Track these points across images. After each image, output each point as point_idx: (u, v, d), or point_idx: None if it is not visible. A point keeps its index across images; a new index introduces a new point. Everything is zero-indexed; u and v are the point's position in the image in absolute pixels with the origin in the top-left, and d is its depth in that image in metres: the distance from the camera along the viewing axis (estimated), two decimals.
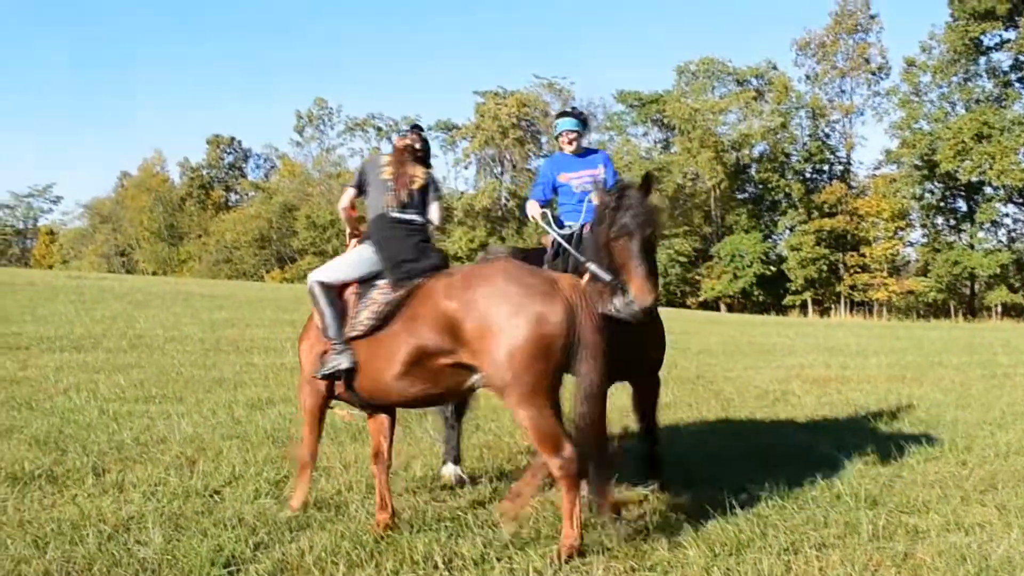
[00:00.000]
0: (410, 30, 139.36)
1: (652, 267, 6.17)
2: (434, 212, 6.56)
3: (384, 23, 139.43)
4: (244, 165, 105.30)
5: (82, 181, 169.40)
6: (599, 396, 5.42)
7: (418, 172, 6.64)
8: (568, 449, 5.30)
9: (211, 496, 6.54)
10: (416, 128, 7.18)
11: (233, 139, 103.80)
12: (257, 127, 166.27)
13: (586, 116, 7.94)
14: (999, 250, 66.56)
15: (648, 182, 6.41)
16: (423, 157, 6.88)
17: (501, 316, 5.30)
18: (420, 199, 6.53)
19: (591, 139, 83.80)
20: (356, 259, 6.35)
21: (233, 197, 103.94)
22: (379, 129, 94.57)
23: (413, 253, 6.12)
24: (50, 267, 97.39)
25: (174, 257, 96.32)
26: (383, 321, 5.83)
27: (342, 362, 5.88)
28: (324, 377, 6.00)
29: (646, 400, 7.25)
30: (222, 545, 5.28)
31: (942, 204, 70.99)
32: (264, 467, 7.31)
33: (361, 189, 6.68)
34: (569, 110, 8.01)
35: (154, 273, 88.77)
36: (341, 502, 6.43)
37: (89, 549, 5.17)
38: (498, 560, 5.27)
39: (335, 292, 6.20)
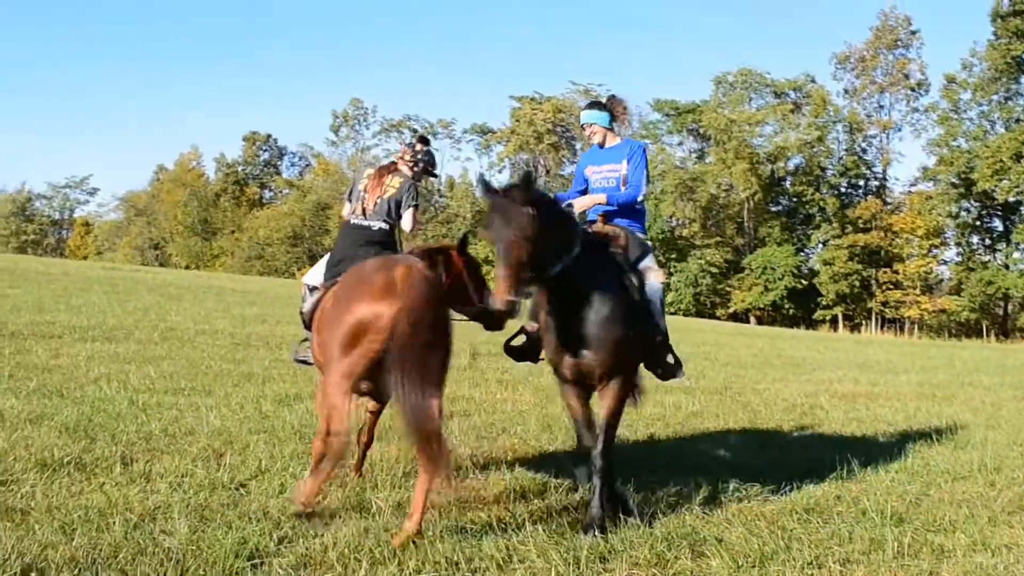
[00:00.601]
0: (447, 33, 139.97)
1: (518, 269, 5.80)
2: (406, 219, 7.12)
3: (421, 25, 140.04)
4: (279, 163, 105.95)
5: (118, 174, 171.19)
6: (414, 384, 5.47)
7: (393, 182, 7.14)
8: (337, 432, 5.63)
9: (237, 489, 6.58)
10: (422, 140, 7.58)
11: (269, 136, 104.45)
12: (293, 125, 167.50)
13: (613, 106, 7.25)
14: None
15: (527, 182, 6.07)
16: (425, 168, 7.40)
17: (329, 309, 6.00)
18: (389, 208, 7.05)
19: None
20: (322, 264, 7.16)
21: (267, 194, 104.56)
22: (414, 131, 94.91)
23: (352, 255, 6.71)
24: (84, 258, 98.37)
25: (207, 252, 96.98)
26: (309, 318, 6.67)
27: (308, 356, 6.79)
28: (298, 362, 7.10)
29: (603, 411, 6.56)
30: (247, 538, 5.30)
31: (978, 223, 70.37)
32: (290, 462, 7.35)
33: (351, 199, 7.33)
34: (595, 100, 7.51)
35: (187, 267, 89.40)
36: (364, 500, 6.45)
37: (115, 537, 5.20)
38: (520, 562, 5.27)
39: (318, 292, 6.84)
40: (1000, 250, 69.40)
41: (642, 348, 6.61)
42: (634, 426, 9.75)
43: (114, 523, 5.43)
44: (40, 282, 32.08)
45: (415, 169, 7.39)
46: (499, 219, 5.86)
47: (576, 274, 6.16)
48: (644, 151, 7.09)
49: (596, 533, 5.89)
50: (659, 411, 11.31)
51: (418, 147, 7.50)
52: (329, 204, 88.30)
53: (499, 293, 5.79)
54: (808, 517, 6.70)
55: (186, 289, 37.27)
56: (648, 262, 6.79)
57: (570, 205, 6.83)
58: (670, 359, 6.83)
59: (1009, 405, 15.86)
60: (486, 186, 6.07)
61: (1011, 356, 37.53)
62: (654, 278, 6.73)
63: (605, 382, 6.37)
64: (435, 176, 7.57)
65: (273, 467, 7.19)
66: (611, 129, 7.22)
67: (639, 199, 7.02)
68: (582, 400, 6.65)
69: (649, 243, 7.09)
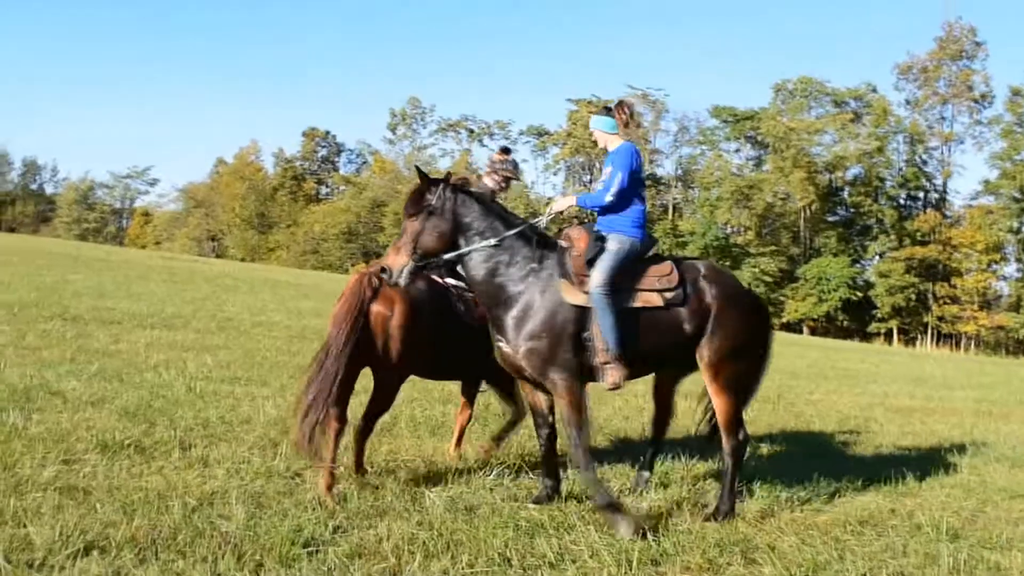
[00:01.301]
0: (507, 34, 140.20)
1: (404, 245, 6.52)
2: None
3: (482, 25, 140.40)
4: (337, 159, 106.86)
5: (179, 166, 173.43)
6: (323, 376, 6.39)
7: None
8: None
9: (292, 478, 6.66)
10: (503, 151, 8.00)
11: (328, 133, 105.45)
12: (352, 123, 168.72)
13: (617, 111, 7.15)
14: None
15: (433, 180, 6.64)
16: (506, 178, 7.93)
17: None
18: None
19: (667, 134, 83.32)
20: None
21: (324, 190, 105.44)
22: (471, 131, 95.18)
23: None
24: (143, 247, 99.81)
25: (263, 245, 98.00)
26: None
27: None
28: None
29: None
30: (302, 525, 5.37)
31: None
32: (344, 453, 7.41)
33: None
34: (604, 107, 7.40)
35: (243, 259, 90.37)
36: (418, 493, 6.49)
37: (174, 519, 5.29)
38: (572, 561, 5.29)
39: None
40: None
41: (563, 350, 6.49)
42: (684, 431, 9.71)
43: (173, 506, 5.52)
44: (100, 269, 32.63)
45: (496, 179, 7.81)
46: (407, 200, 6.68)
47: (493, 268, 6.60)
48: (628, 153, 6.95)
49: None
50: None
51: (496, 158, 7.87)
52: (385, 201, 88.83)
53: (382, 261, 6.66)
54: (862, 529, 6.64)
55: (242, 281, 37.71)
56: (596, 267, 6.64)
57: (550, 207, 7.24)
58: (608, 372, 6.56)
59: None
60: (417, 171, 6.75)
61: None
62: (591, 283, 6.56)
63: (534, 378, 6.63)
64: (519, 181, 7.82)
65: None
66: (616, 133, 7.13)
67: (606, 200, 6.85)
68: (531, 388, 6.97)
69: (619, 245, 6.76)
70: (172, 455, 6.89)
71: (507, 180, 7.91)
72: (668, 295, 6.71)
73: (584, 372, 6.55)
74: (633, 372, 6.71)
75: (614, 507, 6.13)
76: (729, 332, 6.81)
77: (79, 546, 4.72)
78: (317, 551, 5.08)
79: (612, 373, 6.52)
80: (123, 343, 13.12)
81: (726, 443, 6.93)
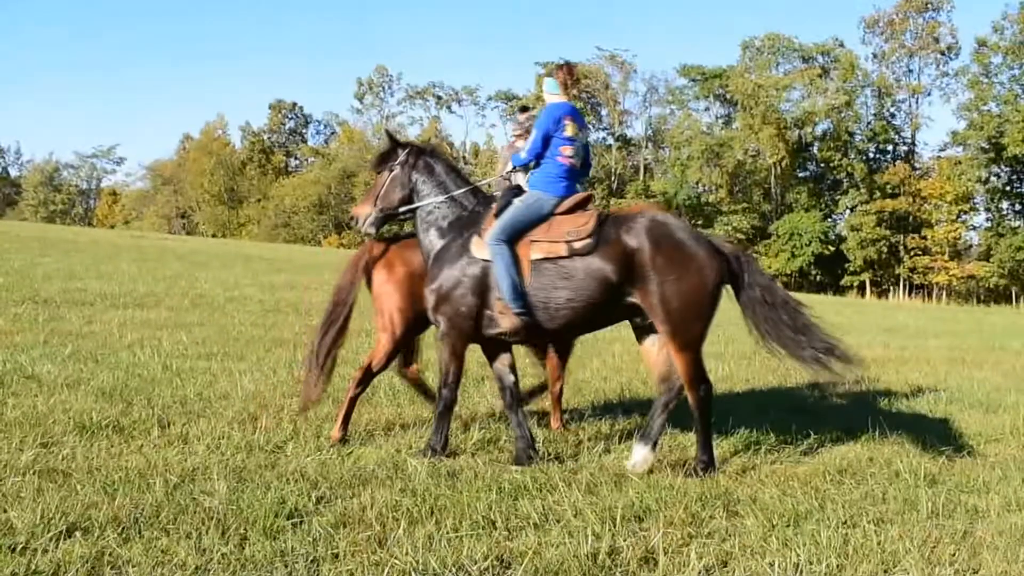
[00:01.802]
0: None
1: (369, 197, 7.55)
2: None
3: None
4: (305, 131, 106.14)
5: (145, 143, 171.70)
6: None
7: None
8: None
9: (273, 451, 6.65)
10: (522, 109, 8.67)
11: (295, 104, 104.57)
12: (319, 93, 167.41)
13: (556, 71, 7.37)
14: None
15: (395, 141, 7.59)
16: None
17: None
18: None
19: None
20: None
21: (293, 162, 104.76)
22: (439, 98, 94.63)
23: None
24: (112, 227, 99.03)
25: (233, 220, 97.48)
26: None
27: None
28: None
29: None
30: (285, 497, 5.37)
31: (1008, 188, 69.72)
32: (325, 424, 7.41)
33: None
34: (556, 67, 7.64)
35: (213, 235, 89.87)
36: (400, 461, 6.51)
37: (156, 497, 5.28)
38: (557, 521, 5.32)
39: None
40: None
41: (458, 301, 6.92)
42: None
43: (154, 484, 5.51)
44: (69, 250, 32.36)
45: (526, 137, 7.80)
46: (376, 157, 7.66)
47: (432, 223, 7.22)
48: (544, 114, 7.15)
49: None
50: None
51: (521, 118, 8.20)
52: (355, 172, 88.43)
53: (352, 210, 7.71)
54: (841, 478, 6.71)
55: (214, 257, 37.52)
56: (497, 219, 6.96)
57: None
58: (501, 320, 6.91)
59: None
60: (386, 133, 7.83)
61: None
62: (487, 234, 6.90)
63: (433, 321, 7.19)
64: None
65: (308, 430, 7.26)
66: (557, 94, 7.26)
67: (523, 158, 7.19)
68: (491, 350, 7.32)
69: (526, 200, 7.01)
70: (151, 434, 6.87)
71: None
72: (576, 244, 6.72)
73: (485, 324, 6.97)
74: (550, 323, 6.82)
75: (443, 445, 6.83)
76: (671, 281, 6.60)
77: (61, 528, 4.70)
78: (301, 522, 5.08)
79: (504, 320, 6.85)
80: (96, 324, 13.03)
81: (690, 398, 6.86)
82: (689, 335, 6.70)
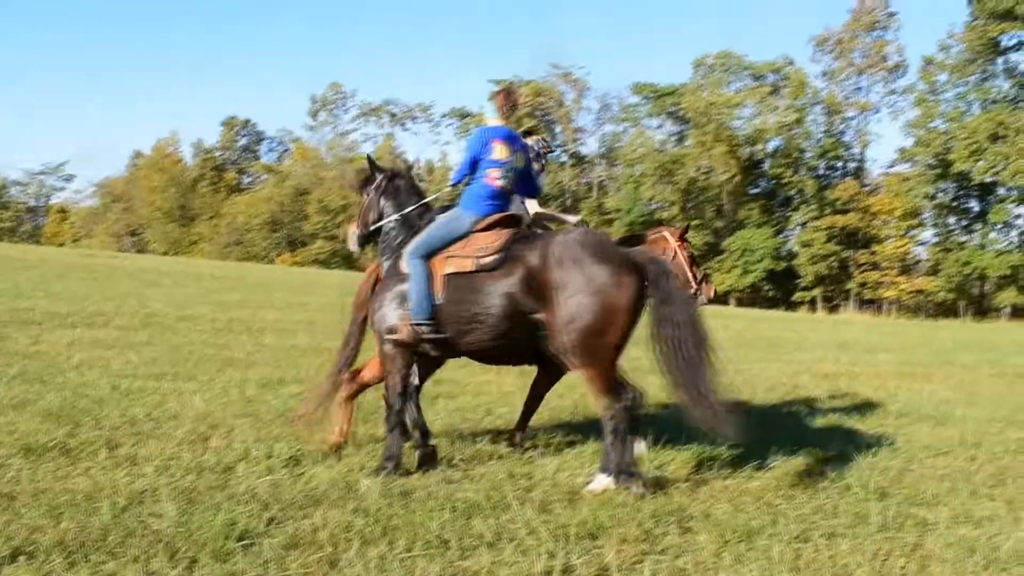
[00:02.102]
0: (428, 17, 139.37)
1: (355, 217, 8.03)
2: None
3: (402, 8, 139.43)
4: (258, 148, 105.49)
5: (95, 160, 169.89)
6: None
7: None
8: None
9: (224, 472, 6.56)
10: (527, 133, 8.88)
11: (248, 122, 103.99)
12: (272, 110, 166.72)
13: (495, 97, 7.50)
14: (1010, 251, 66.42)
15: (373, 166, 7.97)
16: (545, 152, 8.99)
17: None
18: None
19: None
20: None
21: (246, 179, 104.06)
22: (393, 115, 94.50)
23: None
24: (61, 245, 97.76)
25: (185, 238, 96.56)
26: None
27: None
28: None
29: None
30: (236, 519, 5.29)
31: (955, 204, 70.85)
32: (275, 444, 7.34)
33: None
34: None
35: (165, 253, 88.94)
36: (353, 480, 6.46)
37: (103, 520, 5.19)
38: (510, 540, 5.29)
39: None
40: (977, 230, 69.90)
41: (388, 314, 7.17)
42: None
43: (102, 506, 5.41)
44: (17, 269, 31.89)
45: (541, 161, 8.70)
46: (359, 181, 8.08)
47: (388, 240, 7.61)
48: (471, 138, 7.38)
49: None
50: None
51: (529, 141, 8.37)
52: (308, 189, 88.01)
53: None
54: (793, 493, 6.76)
55: (165, 275, 37.14)
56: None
57: None
58: (403, 329, 7.10)
59: (987, 382, 16.02)
60: (368, 160, 8.07)
61: (988, 334, 37.84)
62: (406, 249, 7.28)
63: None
64: (552, 152, 9.04)
65: (259, 450, 7.18)
66: (495, 118, 7.42)
67: (452, 182, 7.49)
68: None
69: (445, 217, 7.27)
70: (99, 455, 6.75)
71: (541, 156, 8.77)
72: (483, 260, 6.83)
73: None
74: (460, 338, 6.91)
75: (395, 463, 6.88)
76: (569, 298, 6.48)
77: (5, 553, 4.61)
78: (252, 544, 5.02)
79: (403, 329, 7.05)
80: (44, 344, 12.83)
81: (601, 412, 6.72)
82: (590, 353, 6.51)
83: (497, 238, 6.91)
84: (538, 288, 6.61)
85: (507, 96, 7.43)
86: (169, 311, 19.85)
